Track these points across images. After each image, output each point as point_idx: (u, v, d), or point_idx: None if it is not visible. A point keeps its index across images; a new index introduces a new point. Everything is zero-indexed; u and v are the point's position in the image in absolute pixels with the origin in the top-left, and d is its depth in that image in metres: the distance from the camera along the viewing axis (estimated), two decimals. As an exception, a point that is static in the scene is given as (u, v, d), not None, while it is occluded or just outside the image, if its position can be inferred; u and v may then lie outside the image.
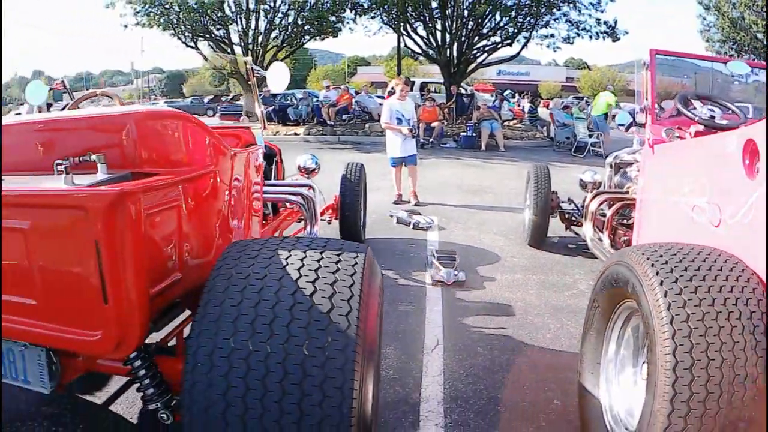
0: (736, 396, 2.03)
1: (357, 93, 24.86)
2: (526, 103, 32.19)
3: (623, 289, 2.55)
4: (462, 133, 17.95)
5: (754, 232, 2.42)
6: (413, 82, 26.09)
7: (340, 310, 1.74)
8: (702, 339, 2.07)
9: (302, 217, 4.65)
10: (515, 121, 23.83)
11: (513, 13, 21.94)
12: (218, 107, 33.87)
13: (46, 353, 2.10)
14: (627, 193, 5.15)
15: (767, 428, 2.02)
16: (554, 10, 21.87)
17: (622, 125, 5.08)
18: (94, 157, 2.16)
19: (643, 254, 2.43)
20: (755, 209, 2.45)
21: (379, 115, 22.06)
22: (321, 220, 5.35)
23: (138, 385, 2.20)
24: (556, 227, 6.55)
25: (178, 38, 21.92)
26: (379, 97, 27.92)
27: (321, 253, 1.93)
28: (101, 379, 3.32)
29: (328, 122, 20.78)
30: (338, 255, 1.94)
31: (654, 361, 2.16)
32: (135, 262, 1.79)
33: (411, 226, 7.28)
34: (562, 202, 6.45)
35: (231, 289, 1.83)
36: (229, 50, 22.81)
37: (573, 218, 6.32)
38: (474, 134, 17.47)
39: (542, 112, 24.02)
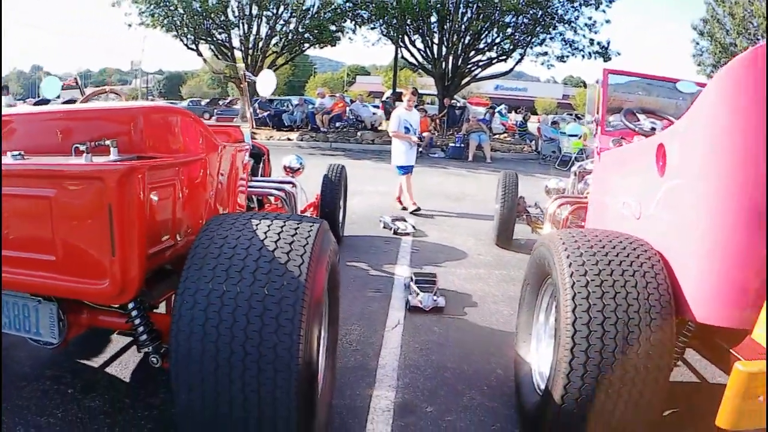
0: (627, 349, 2.46)
1: (352, 101, 25.39)
2: (519, 118, 32.87)
3: (545, 266, 3.01)
4: (450, 144, 18.48)
5: (659, 220, 2.91)
6: (421, 94, 26.69)
7: (294, 262, 2.22)
8: (599, 300, 2.51)
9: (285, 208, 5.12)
10: (505, 135, 24.41)
11: (510, 30, 22.62)
12: (215, 110, 34.40)
13: (57, 308, 2.56)
14: (584, 198, 5.66)
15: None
16: (550, 29, 22.52)
17: (574, 136, 5.61)
18: (107, 142, 2.63)
19: (558, 237, 2.90)
20: (662, 201, 2.93)
21: (372, 124, 22.81)
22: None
23: (133, 337, 2.67)
24: (525, 230, 7.06)
25: (180, 40, 22.37)
26: (374, 106, 28.45)
27: (284, 222, 2.41)
28: (97, 345, 3.79)
29: (321, 129, 21.29)
30: (297, 224, 2.42)
31: (558, 319, 2.62)
32: (138, 224, 2.25)
33: (392, 231, 7.52)
34: (529, 206, 6.96)
35: (212, 246, 2.30)
36: (229, 54, 23.34)
37: (538, 221, 6.82)
38: (462, 145, 18.02)
39: (533, 126, 24.59)
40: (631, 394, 2.52)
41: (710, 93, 2.50)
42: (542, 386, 3.01)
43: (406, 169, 9.27)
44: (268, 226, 2.37)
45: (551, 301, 3.22)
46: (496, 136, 22.89)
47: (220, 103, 44.17)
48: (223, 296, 2.15)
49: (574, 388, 2.52)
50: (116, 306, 2.68)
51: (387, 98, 25.59)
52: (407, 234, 7.45)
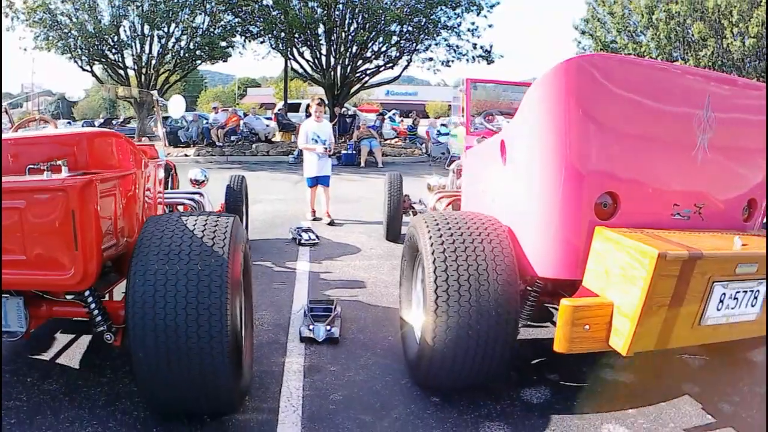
0: (480, 302, 3.23)
1: (245, 115, 25.81)
2: (410, 122, 34.02)
3: (415, 244, 3.77)
4: (343, 151, 19.30)
5: (505, 200, 3.79)
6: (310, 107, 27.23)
7: (218, 245, 2.96)
8: (453, 264, 3.28)
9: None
10: (397, 140, 25.44)
11: (395, 38, 23.68)
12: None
13: (24, 302, 3.14)
14: (461, 192, 6.57)
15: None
16: (435, 36, 23.75)
17: (445, 135, 6.55)
18: (59, 162, 3.25)
19: (422, 218, 3.69)
20: (506, 185, 3.80)
21: (266, 136, 23.35)
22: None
23: (89, 321, 3.26)
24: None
25: (75, 62, 22.33)
26: (267, 118, 28.92)
27: (206, 218, 3.14)
28: (45, 344, 4.34)
29: (217, 143, 21.65)
30: (217, 219, 3.15)
31: (425, 283, 3.40)
32: (94, 225, 2.88)
33: (297, 242, 7.72)
34: (414, 203, 7.85)
35: (154, 237, 3.00)
36: (123, 74, 23.40)
37: (422, 215, 7.70)
38: (354, 152, 18.87)
39: (422, 130, 25.68)
40: (486, 339, 3.29)
41: (529, 97, 3.38)
42: (420, 339, 3.73)
43: (312, 181, 9.49)
44: (195, 221, 3.09)
45: (422, 272, 3.96)
46: (388, 141, 23.88)
47: (114, 123, 43.69)
48: (167, 273, 2.86)
49: (440, 337, 3.29)
50: (73, 296, 3.31)
51: (279, 110, 26.20)
52: (313, 244, 7.68)
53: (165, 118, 22.50)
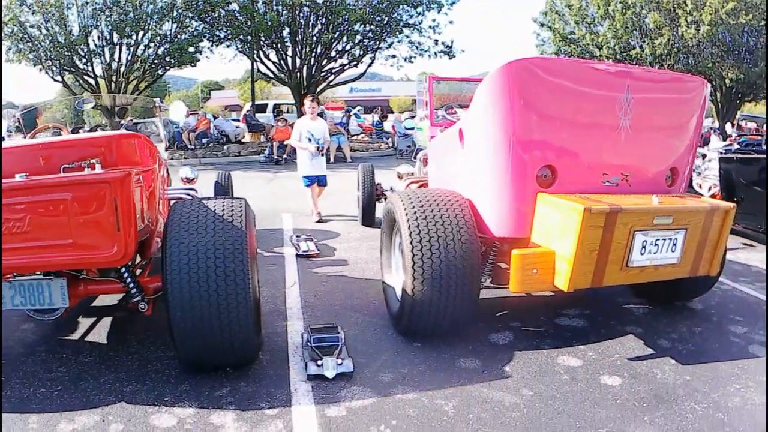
0: (449, 259, 3.94)
1: (215, 117, 26.23)
2: (376, 119, 34.58)
3: (393, 216, 4.49)
4: (312, 148, 19.84)
5: (464, 177, 4.48)
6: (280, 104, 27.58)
7: (236, 221, 3.62)
8: (425, 230, 4.01)
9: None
10: (363, 135, 26.08)
11: (359, 37, 24.33)
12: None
13: (66, 281, 3.73)
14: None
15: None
16: (397, 34, 24.42)
17: (410, 129, 7.27)
18: (93, 160, 3.85)
19: (398, 195, 4.41)
20: (464, 164, 4.51)
21: (236, 137, 23.85)
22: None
23: (125, 293, 3.91)
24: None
25: (46, 72, 22.57)
26: (235, 120, 29.35)
27: (223, 200, 3.80)
28: (72, 326, 4.91)
29: (189, 146, 22.07)
30: (232, 201, 3.81)
31: (403, 247, 4.12)
32: (132, 209, 3.47)
33: (296, 251, 7.20)
34: (386, 190, 8.56)
35: (183, 215, 3.64)
36: (93, 82, 23.71)
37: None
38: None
39: (387, 125, 26.31)
40: (455, 289, 4.02)
41: (481, 91, 4.12)
42: (400, 296, 4.43)
43: (310, 180, 9.30)
44: (215, 204, 3.75)
45: (399, 239, 4.64)
46: (354, 137, 24.53)
47: (80, 131, 43.87)
48: (197, 244, 3.51)
49: (417, 290, 4.03)
50: (113, 273, 3.93)
51: (248, 111, 26.62)
52: (314, 255, 7.04)
53: (136, 124, 22.81)
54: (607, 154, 4.09)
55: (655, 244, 3.77)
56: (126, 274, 3.85)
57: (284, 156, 19.41)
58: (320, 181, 9.40)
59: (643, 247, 3.73)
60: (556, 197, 3.76)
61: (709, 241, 3.97)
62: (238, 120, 28.76)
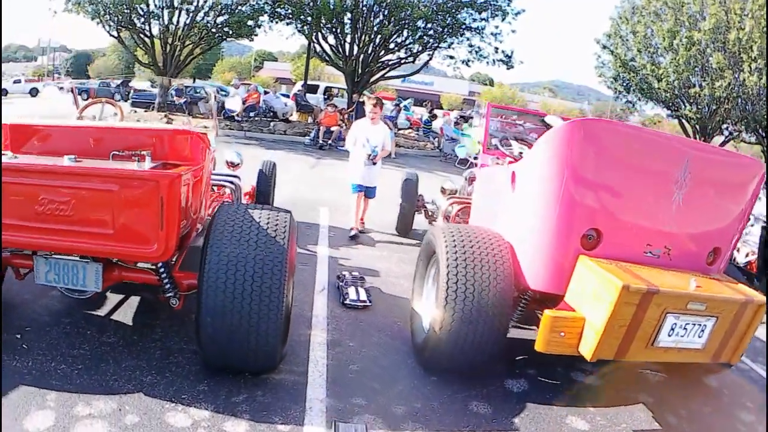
0: (481, 304, 3.96)
1: (266, 92, 26.37)
2: (425, 113, 34.46)
3: (432, 248, 4.52)
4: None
5: (510, 221, 4.50)
6: (331, 87, 27.47)
7: (279, 237, 3.60)
8: (464, 271, 4.02)
9: (231, 200, 6.40)
10: (410, 130, 26.02)
11: (419, 33, 24.19)
12: (129, 93, 34.61)
13: (102, 267, 3.78)
14: (470, 199, 7.22)
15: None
16: (458, 35, 24.28)
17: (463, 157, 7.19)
18: (144, 152, 3.88)
19: (441, 229, 4.42)
20: (512, 208, 4.52)
21: (284, 115, 23.92)
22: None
23: (159, 287, 3.94)
24: (423, 222, 8.68)
25: (103, 27, 22.83)
26: (283, 95, 29.48)
27: (269, 212, 3.78)
28: (99, 302, 4.95)
29: (236, 118, 22.17)
30: (277, 214, 3.79)
31: (438, 283, 4.13)
32: (177, 210, 3.51)
33: (341, 300, 5.70)
34: (427, 203, 8.51)
35: (227, 224, 3.63)
36: (149, 42, 23.93)
37: (434, 215, 8.35)
38: (369, 141, 19.41)
39: (436, 124, 26.19)
40: (483, 328, 4.01)
41: (541, 143, 4.13)
42: (427, 327, 4.45)
43: (356, 188, 8.31)
44: (260, 214, 3.73)
45: (436, 273, 4.63)
46: (401, 131, 24.48)
47: (130, 85, 44.44)
48: (238, 256, 3.50)
49: (445, 328, 4.02)
50: (149, 267, 3.95)
51: (299, 90, 26.74)
52: (362, 306, 5.61)
53: (186, 87, 23.06)
54: (655, 226, 4.05)
55: (684, 328, 3.72)
56: (162, 271, 3.87)
57: (329, 142, 19.42)
58: (368, 192, 8.36)
59: (672, 329, 3.68)
60: (597, 264, 3.73)
61: (737, 332, 3.90)
62: (288, 96, 28.90)
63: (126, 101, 31.60)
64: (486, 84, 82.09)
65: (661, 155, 3.97)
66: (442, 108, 60.35)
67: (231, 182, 6.34)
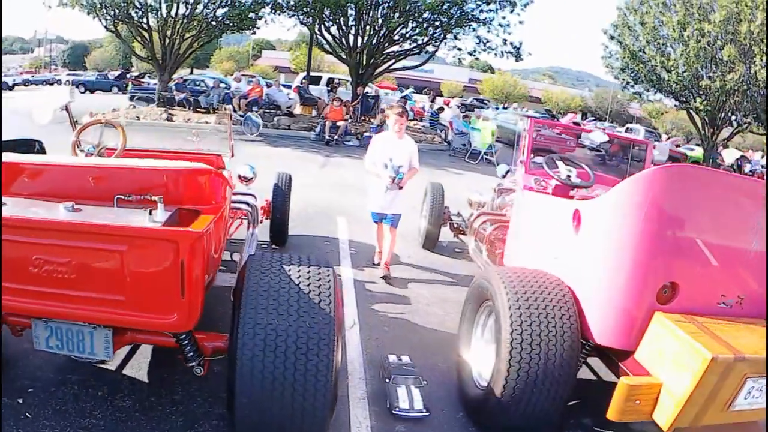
0: (547, 366, 3.55)
1: (268, 85, 25.79)
2: (426, 102, 33.87)
3: (486, 294, 4.05)
4: (366, 134, 19.30)
5: (572, 265, 4.05)
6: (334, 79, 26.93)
7: (324, 301, 3.05)
8: (528, 330, 3.58)
9: (248, 219, 5.85)
10: (415, 122, 25.44)
11: (426, 25, 23.61)
12: (128, 87, 33.89)
13: (112, 332, 3.20)
14: (504, 215, 6.70)
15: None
16: (464, 27, 23.69)
17: (503, 176, 6.66)
18: (154, 197, 3.27)
19: (497, 273, 3.95)
20: (575, 252, 4.06)
21: (287, 108, 23.33)
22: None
23: (181, 350, 3.35)
24: (446, 233, 8.08)
25: (99, 21, 22.26)
26: (285, 85, 28.86)
27: (309, 268, 3.22)
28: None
29: (239, 113, 21.64)
30: (318, 270, 3.23)
31: (499, 339, 3.66)
32: (201, 273, 2.97)
33: (387, 404, 4.18)
34: (453, 215, 7.97)
35: (261, 286, 3.07)
36: (147, 36, 23.31)
37: (460, 228, 7.84)
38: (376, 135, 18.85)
39: (444, 116, 25.55)
40: (548, 389, 3.62)
41: (626, 189, 3.68)
42: (481, 382, 4.05)
43: (375, 216, 6.88)
44: (299, 271, 3.18)
45: (487, 319, 4.23)
46: (409, 123, 23.85)
47: (128, 77, 43.74)
48: (276, 329, 2.96)
49: (509, 386, 3.58)
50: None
51: (301, 83, 26.10)
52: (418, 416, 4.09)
53: (185, 81, 22.42)
54: (732, 276, 3.70)
55: (760, 390, 3.37)
56: (184, 338, 3.33)
57: (335, 137, 18.85)
58: (390, 220, 6.77)
59: (749, 392, 3.33)
60: (676, 324, 3.36)
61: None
62: (289, 87, 28.31)
63: (124, 94, 31.01)
64: (486, 71, 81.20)
65: (742, 200, 3.64)
66: (442, 95, 59.73)
67: (246, 202, 5.81)
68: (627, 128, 39.62)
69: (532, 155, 5.97)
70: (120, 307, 2.96)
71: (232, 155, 5.84)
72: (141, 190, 3.41)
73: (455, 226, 7.90)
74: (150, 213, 3.15)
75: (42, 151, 7.74)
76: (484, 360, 4.15)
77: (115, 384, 4.01)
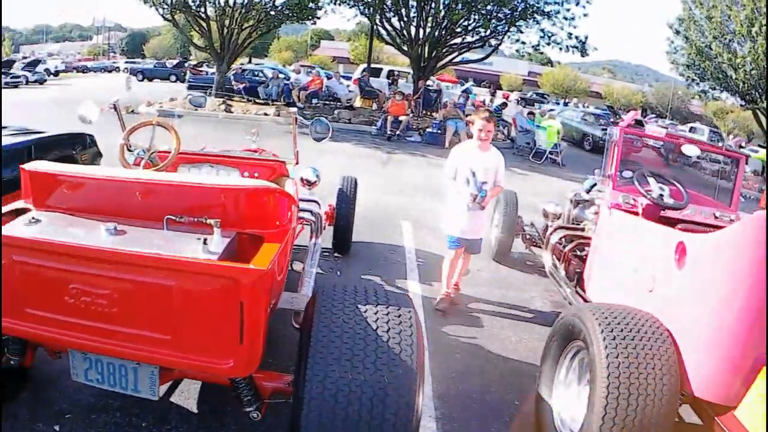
0: (643, 423, 3.07)
1: (328, 77, 25.47)
2: (487, 96, 33.16)
3: (576, 334, 3.57)
4: (428, 129, 18.78)
5: (671, 303, 3.58)
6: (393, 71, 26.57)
7: (406, 352, 2.57)
8: (626, 381, 3.10)
9: (311, 228, 5.40)
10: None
11: (489, 17, 22.93)
12: (185, 76, 33.95)
13: (158, 370, 2.81)
14: (583, 230, 6.14)
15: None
16: (528, 19, 22.90)
17: (588, 190, 6.09)
18: (211, 221, 2.86)
19: (592, 314, 3.45)
20: (676, 289, 3.59)
21: (348, 101, 22.93)
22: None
23: (236, 393, 2.93)
24: (517, 244, 7.53)
25: (156, 10, 22.23)
26: (345, 77, 28.50)
27: (387, 309, 2.75)
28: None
29: (297, 104, 21.25)
30: (398, 311, 2.76)
31: (593, 388, 3.20)
32: (263, 316, 2.54)
33: None
34: (525, 225, 7.43)
35: (331, 335, 2.61)
36: (204, 25, 23.22)
37: (533, 240, 7.30)
38: (439, 131, 18.36)
39: (507, 112, 24.84)
40: None
41: (742, 229, 3.27)
42: (563, 429, 3.62)
43: (453, 243, 5.77)
44: (375, 314, 2.71)
45: (573, 360, 3.77)
46: (469, 118, 23.22)
47: (186, 65, 44.00)
48: (350, 384, 2.49)
49: None
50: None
51: (362, 75, 25.64)
52: None
53: (244, 71, 22.26)
54: None
55: None
56: (241, 383, 2.91)
57: (397, 132, 18.36)
58: (470, 247, 5.83)
59: None
60: None
61: None
62: (349, 78, 27.95)
63: (182, 83, 30.99)
64: (544, 64, 79.52)
65: None
66: (501, 89, 58.71)
67: (310, 210, 5.36)
68: (691, 128, 38.10)
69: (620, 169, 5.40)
70: (167, 347, 2.58)
71: (297, 162, 5.39)
72: (195, 211, 3.02)
73: (527, 237, 7.36)
74: (205, 242, 2.75)
75: (93, 145, 7.53)
76: (567, 404, 3.73)
77: (162, 414, 3.64)
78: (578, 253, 5.90)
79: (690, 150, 5.51)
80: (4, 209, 3.15)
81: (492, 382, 4.51)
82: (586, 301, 5.16)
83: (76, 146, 7.06)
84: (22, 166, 3.21)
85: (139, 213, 3.06)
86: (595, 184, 5.98)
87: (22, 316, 2.67)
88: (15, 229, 2.86)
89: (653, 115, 55.30)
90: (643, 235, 4.51)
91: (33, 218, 2.99)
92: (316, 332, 2.65)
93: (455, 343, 5.06)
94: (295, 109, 5.58)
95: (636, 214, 4.97)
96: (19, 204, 3.25)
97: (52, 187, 3.16)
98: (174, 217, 3.00)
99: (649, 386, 3.13)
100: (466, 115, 21.46)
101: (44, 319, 2.65)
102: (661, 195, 5.02)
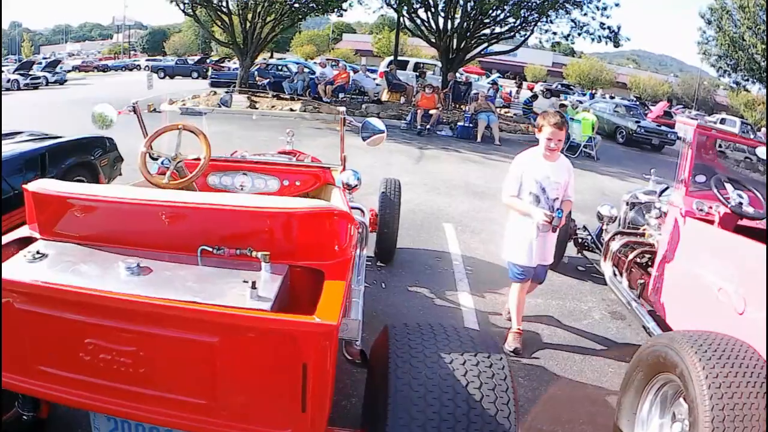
0: None
1: (354, 71, 25.05)
2: (513, 87, 32.64)
3: (668, 367, 3.17)
4: (459, 123, 18.30)
5: (759, 324, 3.29)
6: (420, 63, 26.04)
7: (503, 412, 2.15)
8: (731, 423, 2.75)
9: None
10: (506, 110, 24.31)
11: (518, 7, 22.32)
12: (207, 73, 33.69)
13: None
14: (643, 235, 5.71)
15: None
16: (559, 9, 22.28)
17: (659, 194, 5.69)
18: (258, 254, 2.43)
19: (691, 347, 3.05)
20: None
21: (375, 95, 22.47)
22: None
23: None
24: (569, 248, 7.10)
25: (177, 5, 21.95)
26: (370, 70, 28.05)
27: (475, 358, 2.30)
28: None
29: (324, 99, 20.78)
30: (488, 358, 2.31)
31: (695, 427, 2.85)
32: (330, 378, 2.13)
33: None
34: (578, 229, 6.99)
35: (412, 393, 2.16)
36: (226, 20, 22.88)
37: (586, 244, 6.87)
38: (471, 125, 17.89)
39: (538, 105, 24.27)
40: None
41: None
42: None
43: (520, 274, 4.85)
44: (463, 365, 2.27)
45: (657, 394, 3.41)
46: (499, 111, 22.76)
47: (208, 62, 43.80)
48: None
49: None
50: None
51: (388, 68, 25.13)
52: None
53: (268, 66, 21.88)
54: None
55: None
56: None
57: (428, 126, 17.89)
58: (537, 274, 5.00)
59: None
60: None
61: None
62: (374, 71, 27.50)
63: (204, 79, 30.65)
64: (568, 55, 78.40)
65: None
66: (525, 80, 57.99)
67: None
68: (721, 120, 37.18)
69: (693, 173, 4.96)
70: (208, 414, 2.15)
71: (344, 168, 4.95)
72: (235, 240, 2.56)
73: (580, 241, 6.93)
74: (253, 285, 2.29)
75: (114, 149, 7.21)
76: None
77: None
78: (639, 260, 5.48)
79: (762, 152, 5.09)
80: (5, 239, 2.69)
81: (562, 414, 4.09)
82: (654, 316, 4.79)
83: (94, 151, 6.78)
84: (24, 186, 2.78)
85: (166, 243, 2.63)
86: (667, 188, 5.55)
87: (33, 374, 2.26)
88: (17, 268, 2.41)
89: (680, 106, 54.26)
90: (726, 248, 4.10)
91: (38, 252, 2.55)
92: (392, 387, 2.21)
93: (517, 365, 4.64)
94: (343, 108, 5.12)
95: (711, 222, 4.54)
96: (23, 231, 2.81)
97: (61, 211, 2.72)
98: (210, 249, 2.54)
99: (754, 429, 2.77)
100: (495, 106, 21.06)
101: (59, 378, 2.24)
102: (741, 203, 4.59)
